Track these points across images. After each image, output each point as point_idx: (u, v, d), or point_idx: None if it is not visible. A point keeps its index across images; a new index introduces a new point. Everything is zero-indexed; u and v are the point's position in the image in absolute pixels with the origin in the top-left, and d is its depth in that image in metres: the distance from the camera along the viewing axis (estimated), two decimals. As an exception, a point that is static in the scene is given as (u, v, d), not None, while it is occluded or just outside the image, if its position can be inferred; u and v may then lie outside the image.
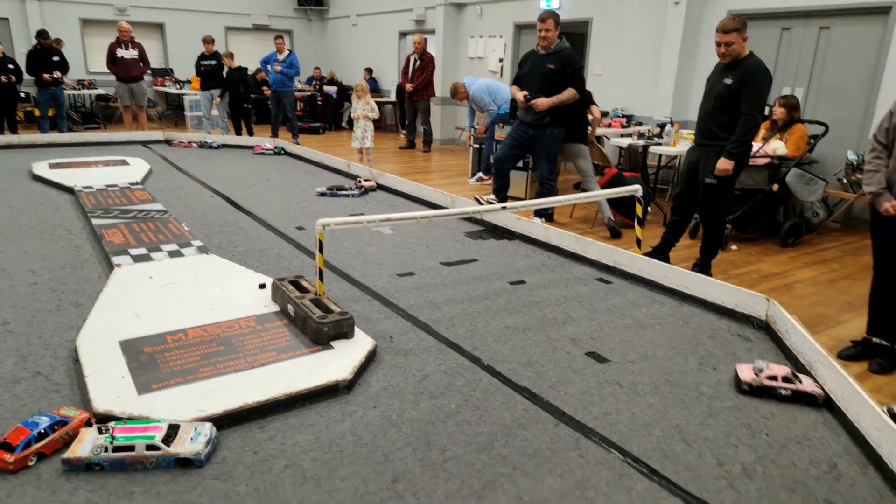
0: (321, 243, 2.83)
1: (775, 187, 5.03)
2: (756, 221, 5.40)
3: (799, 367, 2.60)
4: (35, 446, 1.77)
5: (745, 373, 2.42)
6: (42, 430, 1.80)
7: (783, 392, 2.32)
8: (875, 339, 3.05)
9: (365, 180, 5.82)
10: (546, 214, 5.80)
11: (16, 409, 2.06)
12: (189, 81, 12.39)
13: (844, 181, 5.64)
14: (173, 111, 12.87)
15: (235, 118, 9.85)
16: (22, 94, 10.29)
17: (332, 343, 2.52)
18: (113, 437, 1.75)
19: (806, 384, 2.33)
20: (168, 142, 8.37)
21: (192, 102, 11.87)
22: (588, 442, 2.06)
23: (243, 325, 2.68)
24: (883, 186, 2.86)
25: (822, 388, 2.34)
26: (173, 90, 12.59)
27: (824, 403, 2.32)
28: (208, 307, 2.85)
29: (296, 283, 2.92)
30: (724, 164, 3.84)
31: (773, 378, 2.35)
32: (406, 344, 2.71)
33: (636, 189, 3.89)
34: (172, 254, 3.66)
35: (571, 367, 2.56)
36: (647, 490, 1.83)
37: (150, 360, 2.32)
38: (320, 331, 2.50)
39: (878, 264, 3.06)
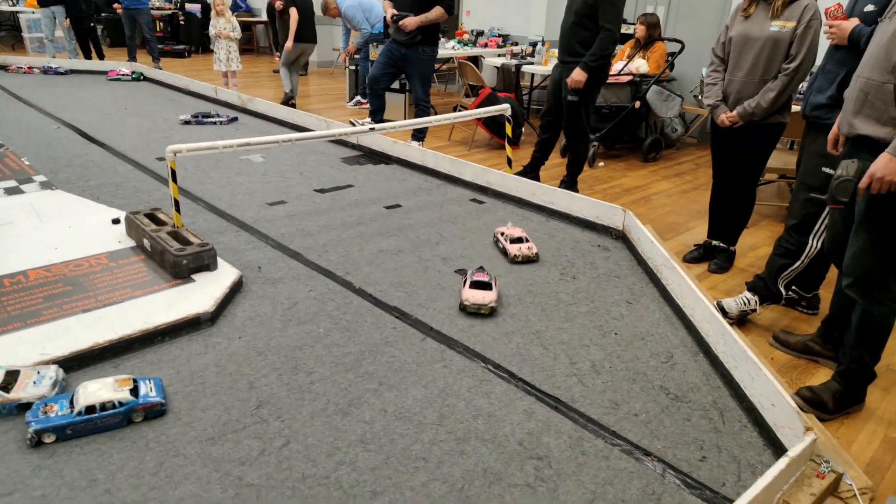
0: (174, 172, 2.67)
1: (637, 104, 5.28)
2: (621, 138, 5.67)
3: (648, 271, 2.84)
4: None
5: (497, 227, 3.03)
6: None
7: (499, 245, 2.92)
8: (714, 242, 3.36)
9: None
10: (421, 137, 5.78)
11: None
12: (24, -3, 10.93)
13: (699, 97, 6.00)
14: (8, 32, 11.36)
15: (81, 40, 8.86)
16: None
17: (194, 276, 2.42)
18: (-61, 390, 1.62)
19: (521, 246, 2.86)
20: (3, 67, 7.42)
21: (31, 22, 10.52)
22: (452, 353, 2.15)
23: (94, 262, 2.51)
24: (720, 99, 3.07)
25: (534, 252, 2.83)
26: (5, 7, 11.06)
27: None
28: (53, 246, 2.64)
29: (152, 216, 2.75)
30: (577, 75, 3.90)
31: (503, 234, 2.93)
32: (275, 273, 2.66)
33: (505, 108, 3.94)
34: (10, 191, 3.32)
35: (441, 285, 2.64)
36: (505, 392, 1.95)
37: (-16, 307, 2.13)
38: (179, 264, 2.40)
39: (716, 173, 3.33)
